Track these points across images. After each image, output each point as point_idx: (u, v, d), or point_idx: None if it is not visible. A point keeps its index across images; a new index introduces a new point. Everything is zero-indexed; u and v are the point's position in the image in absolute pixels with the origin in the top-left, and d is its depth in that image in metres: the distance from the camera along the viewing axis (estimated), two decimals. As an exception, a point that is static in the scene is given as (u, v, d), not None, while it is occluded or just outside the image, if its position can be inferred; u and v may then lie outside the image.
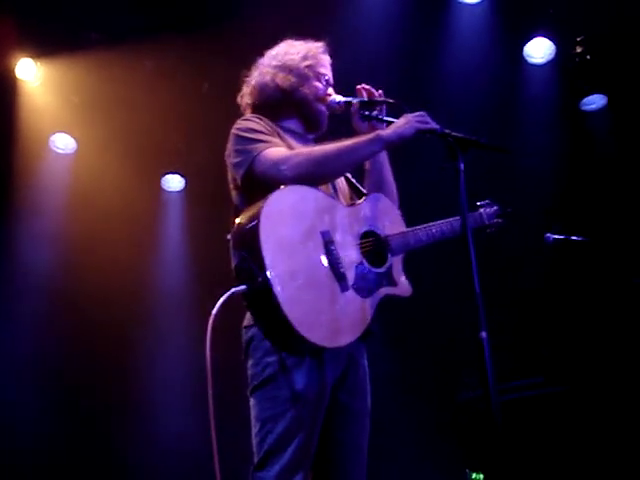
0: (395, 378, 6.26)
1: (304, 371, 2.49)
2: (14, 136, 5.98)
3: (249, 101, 2.98)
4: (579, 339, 5.82)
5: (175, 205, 7.03)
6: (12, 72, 5.81)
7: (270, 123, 2.81)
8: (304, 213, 2.54)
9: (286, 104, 2.92)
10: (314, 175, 2.59)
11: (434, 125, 2.61)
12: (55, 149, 6.38)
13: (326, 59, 3.04)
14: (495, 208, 3.33)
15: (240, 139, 2.71)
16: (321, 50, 3.03)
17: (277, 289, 2.32)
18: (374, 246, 2.70)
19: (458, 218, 2.87)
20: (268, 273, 2.32)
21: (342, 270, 2.51)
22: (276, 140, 2.71)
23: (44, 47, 5.72)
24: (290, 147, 2.76)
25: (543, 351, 5.87)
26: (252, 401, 2.58)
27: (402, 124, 2.65)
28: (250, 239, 2.39)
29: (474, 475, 5.13)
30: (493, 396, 2.09)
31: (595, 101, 6.32)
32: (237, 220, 2.51)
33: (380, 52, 5.75)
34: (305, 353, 2.48)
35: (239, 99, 3.05)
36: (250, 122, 2.77)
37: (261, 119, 2.79)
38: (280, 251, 2.39)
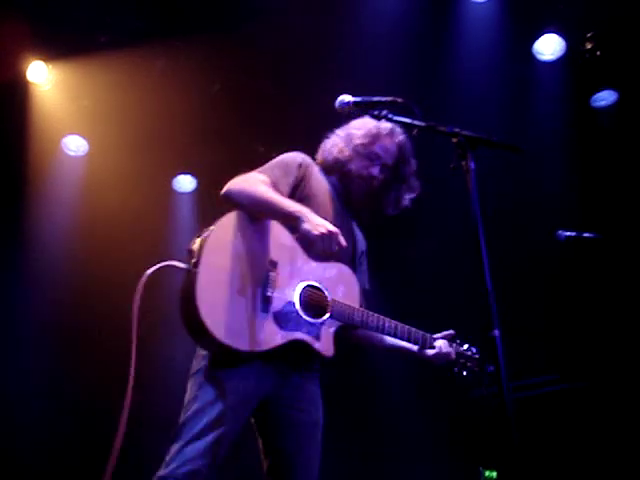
0: (408, 375, 6.27)
1: (231, 371, 2.70)
2: (27, 139, 6.03)
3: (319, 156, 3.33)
4: (593, 336, 5.80)
5: (186, 206, 7.05)
6: (24, 75, 5.85)
7: (312, 167, 3.15)
8: (262, 235, 2.80)
9: (336, 170, 3.23)
10: (238, 203, 2.83)
11: (318, 248, 2.73)
12: (67, 151, 6.42)
13: (388, 142, 3.24)
14: (474, 351, 3.39)
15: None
16: (386, 132, 3.24)
17: (201, 276, 2.60)
18: (314, 299, 2.86)
19: (418, 331, 3.18)
20: (201, 261, 2.61)
21: (268, 294, 2.72)
22: (283, 180, 2.99)
23: (55, 50, 5.75)
24: (321, 205, 3.05)
25: (556, 347, 5.86)
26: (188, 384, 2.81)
27: (315, 226, 2.73)
28: (202, 239, 2.69)
29: (487, 472, 5.12)
30: (506, 393, 2.09)
31: (606, 97, 6.29)
32: None
33: (389, 51, 5.74)
34: (216, 351, 2.69)
35: None
36: (286, 155, 3.12)
37: (303, 158, 3.13)
38: (220, 256, 2.67)
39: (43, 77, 5.91)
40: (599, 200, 6.11)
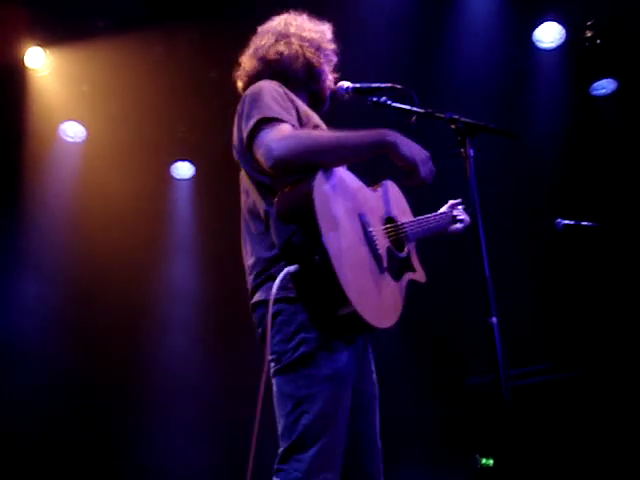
0: (405, 363, 6.28)
1: (342, 350, 2.38)
2: (24, 125, 6.00)
3: (262, 67, 2.79)
4: (589, 324, 5.81)
5: (185, 193, 7.05)
6: (21, 61, 5.82)
7: (290, 93, 2.62)
8: (346, 193, 2.42)
9: (302, 78, 2.78)
10: (307, 163, 2.32)
11: (422, 174, 2.54)
12: (65, 137, 6.40)
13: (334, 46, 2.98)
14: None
15: (253, 101, 2.49)
16: (331, 36, 2.95)
17: (337, 267, 2.18)
18: (396, 232, 2.68)
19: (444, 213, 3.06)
20: (328, 250, 2.18)
21: (379, 252, 2.46)
22: (291, 114, 2.50)
23: (53, 35, 5.72)
24: (302, 120, 2.59)
25: (551, 336, 5.87)
26: (281, 379, 2.38)
27: (414, 148, 2.52)
28: (303, 213, 2.22)
29: (484, 460, 5.14)
30: (503, 381, 2.10)
31: (605, 86, 6.29)
32: (285, 190, 2.33)
33: (389, 38, 5.73)
34: (347, 333, 2.39)
35: (241, 70, 2.88)
36: (265, 88, 2.53)
37: (282, 87, 2.60)
38: (332, 229, 2.24)
39: (41, 63, 5.87)
40: (597, 188, 6.11)
